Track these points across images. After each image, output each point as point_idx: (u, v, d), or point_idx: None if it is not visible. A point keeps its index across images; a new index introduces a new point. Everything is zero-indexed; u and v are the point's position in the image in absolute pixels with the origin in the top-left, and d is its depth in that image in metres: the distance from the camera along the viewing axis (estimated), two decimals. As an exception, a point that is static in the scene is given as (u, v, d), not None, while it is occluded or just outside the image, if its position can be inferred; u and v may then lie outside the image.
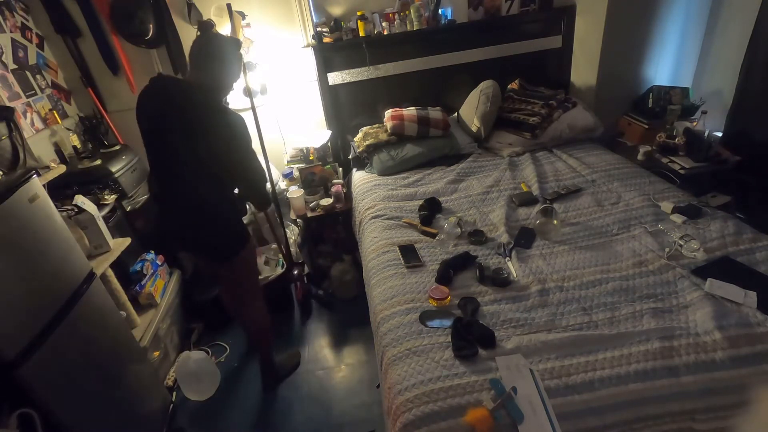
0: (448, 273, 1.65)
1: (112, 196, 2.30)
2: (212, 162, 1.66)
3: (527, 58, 2.94)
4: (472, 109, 2.78)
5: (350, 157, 2.89)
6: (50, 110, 2.46)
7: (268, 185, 2.02)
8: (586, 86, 2.91)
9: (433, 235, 1.94)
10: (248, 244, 1.90)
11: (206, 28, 1.84)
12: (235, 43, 1.73)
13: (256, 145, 2.00)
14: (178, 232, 1.87)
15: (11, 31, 2.31)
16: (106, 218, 2.13)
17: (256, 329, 2.14)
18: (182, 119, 1.63)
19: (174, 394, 2.21)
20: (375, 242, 1.98)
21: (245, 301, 2.05)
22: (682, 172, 2.30)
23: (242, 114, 2.01)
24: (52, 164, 2.18)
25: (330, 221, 2.84)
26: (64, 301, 1.56)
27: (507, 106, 2.82)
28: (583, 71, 2.90)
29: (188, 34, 2.69)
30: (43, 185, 1.66)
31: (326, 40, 2.71)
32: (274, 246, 2.84)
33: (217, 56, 1.66)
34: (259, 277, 2.21)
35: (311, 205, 2.69)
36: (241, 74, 1.78)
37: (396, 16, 2.71)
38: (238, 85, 1.83)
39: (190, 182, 1.70)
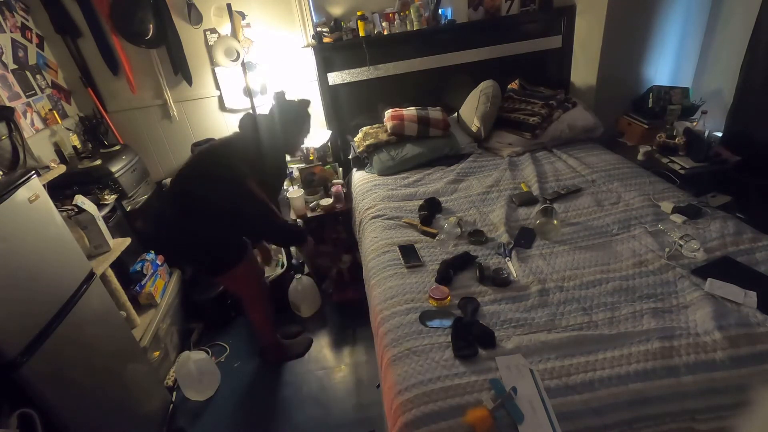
0: (448, 273, 1.65)
1: (112, 196, 2.30)
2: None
3: (527, 58, 2.94)
4: (472, 109, 2.78)
5: (350, 157, 2.89)
6: (50, 110, 2.46)
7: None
8: (586, 86, 2.91)
9: (433, 235, 1.94)
10: (241, 263, 1.93)
11: (283, 97, 2.10)
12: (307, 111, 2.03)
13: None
14: (174, 245, 1.99)
15: (11, 31, 2.31)
16: (106, 218, 2.13)
17: (257, 328, 2.27)
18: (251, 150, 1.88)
19: (174, 394, 2.21)
20: (375, 242, 1.98)
21: (245, 307, 2.18)
22: (682, 172, 2.30)
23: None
24: (52, 164, 2.18)
25: (330, 221, 2.84)
26: (64, 301, 1.56)
27: (507, 106, 2.82)
28: (583, 71, 2.90)
29: (188, 34, 2.69)
30: (43, 185, 1.66)
31: (326, 40, 2.71)
32: (274, 246, 2.85)
33: (298, 121, 2.00)
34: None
35: (311, 205, 2.69)
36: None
37: (396, 16, 2.71)
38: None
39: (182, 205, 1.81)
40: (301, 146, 2.14)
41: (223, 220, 1.76)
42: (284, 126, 1.95)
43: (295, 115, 1.99)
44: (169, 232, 1.94)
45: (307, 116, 2.03)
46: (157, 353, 2.21)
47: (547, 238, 1.86)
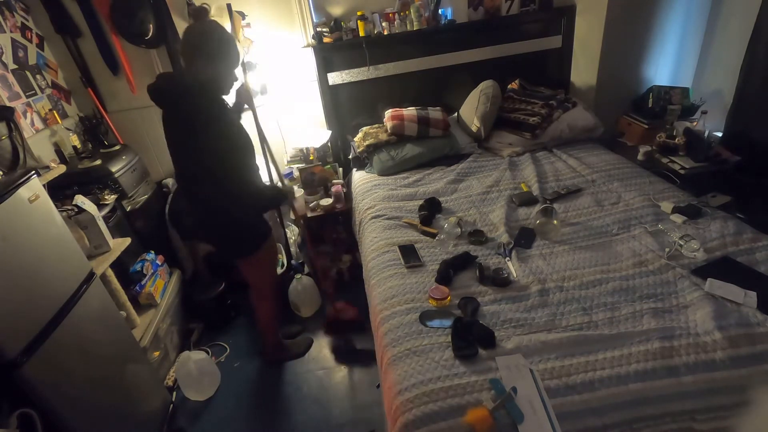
0: (448, 273, 1.66)
1: (112, 196, 2.30)
2: (206, 164, 1.63)
3: (527, 58, 2.94)
4: (472, 109, 2.78)
5: (350, 157, 2.89)
6: (50, 110, 2.46)
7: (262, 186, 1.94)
8: (586, 86, 2.91)
9: (433, 235, 1.95)
10: (261, 249, 1.91)
11: (200, 15, 1.73)
12: (224, 31, 1.63)
13: (257, 145, 2.02)
14: (194, 225, 1.92)
15: (11, 31, 2.31)
16: (106, 218, 2.13)
17: (263, 324, 2.24)
18: (177, 119, 1.62)
19: (174, 394, 2.21)
20: (375, 242, 1.98)
21: (254, 298, 2.13)
22: (682, 172, 2.30)
23: (242, 114, 2.00)
24: (52, 164, 2.18)
25: (330, 221, 2.84)
26: (64, 301, 1.56)
27: (507, 106, 2.82)
28: (583, 71, 2.90)
29: (188, 34, 2.69)
30: (43, 185, 1.66)
31: (326, 40, 2.71)
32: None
33: (209, 49, 1.56)
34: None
35: (311, 205, 2.69)
36: (237, 64, 1.69)
37: (396, 16, 2.71)
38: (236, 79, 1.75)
39: (194, 181, 1.72)
40: (234, 79, 1.71)
41: (216, 202, 1.72)
42: (195, 63, 1.57)
43: (201, 40, 1.55)
44: (193, 226, 1.91)
45: (216, 32, 1.58)
46: (157, 353, 2.21)
47: (547, 238, 1.86)
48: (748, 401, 1.16)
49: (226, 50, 1.61)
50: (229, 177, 1.65)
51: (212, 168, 1.61)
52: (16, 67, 2.29)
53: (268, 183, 2.23)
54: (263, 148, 2.10)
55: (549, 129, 2.66)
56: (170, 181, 2.87)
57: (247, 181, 1.73)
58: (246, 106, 1.97)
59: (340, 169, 3.01)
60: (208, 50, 1.57)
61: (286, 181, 2.05)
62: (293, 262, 2.85)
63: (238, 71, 1.73)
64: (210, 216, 1.80)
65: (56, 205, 1.65)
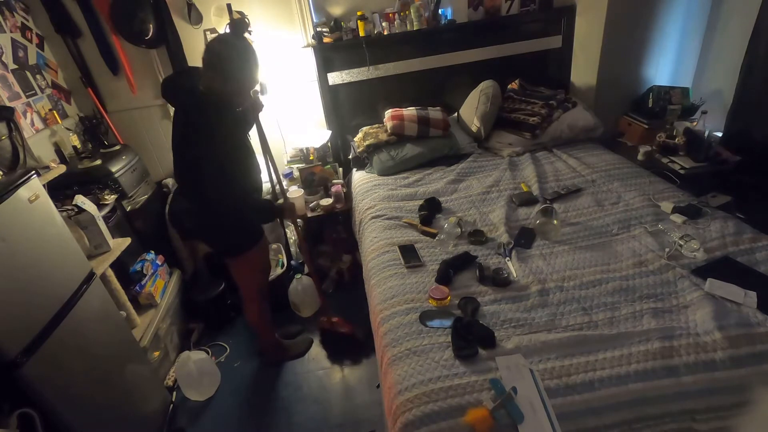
0: (448, 273, 1.66)
1: (112, 196, 2.30)
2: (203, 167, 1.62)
3: (527, 58, 2.94)
4: (472, 109, 2.78)
5: (350, 157, 2.89)
6: (50, 110, 2.46)
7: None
8: (586, 86, 2.91)
9: (433, 235, 1.95)
10: (252, 249, 1.90)
11: (237, 30, 1.74)
12: (247, 53, 1.62)
13: (257, 144, 2.02)
14: (187, 220, 1.95)
15: (11, 31, 2.31)
16: (106, 218, 2.13)
17: (252, 325, 2.25)
18: (181, 121, 1.66)
19: (174, 394, 2.21)
20: (375, 242, 1.98)
21: (243, 298, 2.12)
22: (682, 172, 2.30)
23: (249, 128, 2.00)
24: (52, 164, 2.18)
25: (330, 221, 2.84)
26: (65, 301, 1.56)
27: (507, 106, 2.82)
28: (583, 71, 2.90)
29: (188, 34, 2.69)
30: (43, 185, 1.65)
31: (326, 40, 2.71)
32: (275, 246, 2.85)
33: (227, 67, 1.57)
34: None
35: (311, 205, 2.69)
36: (253, 86, 1.70)
37: (396, 16, 2.71)
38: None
39: (189, 180, 1.74)
40: (248, 98, 1.75)
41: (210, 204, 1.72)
42: (211, 74, 1.57)
43: (222, 58, 1.55)
44: (189, 221, 1.93)
45: (240, 54, 1.57)
46: (157, 353, 2.21)
47: (547, 238, 1.86)
48: (748, 401, 1.16)
49: (244, 73, 1.60)
50: (223, 182, 1.63)
51: (208, 172, 1.61)
52: (16, 67, 2.29)
53: (268, 197, 2.28)
54: (266, 159, 2.11)
55: (549, 129, 2.66)
56: (170, 181, 2.86)
57: (235, 189, 1.70)
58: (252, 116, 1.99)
59: (340, 169, 3.02)
60: (227, 68, 1.56)
61: (289, 198, 2.06)
62: (293, 262, 2.85)
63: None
64: (206, 212, 1.80)
65: (56, 205, 1.65)
